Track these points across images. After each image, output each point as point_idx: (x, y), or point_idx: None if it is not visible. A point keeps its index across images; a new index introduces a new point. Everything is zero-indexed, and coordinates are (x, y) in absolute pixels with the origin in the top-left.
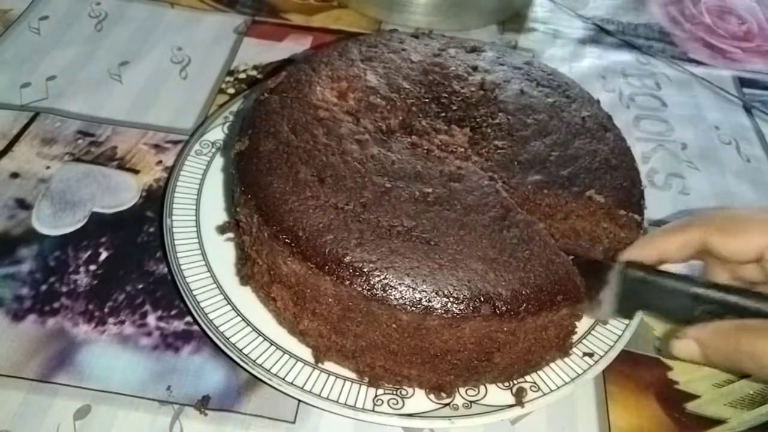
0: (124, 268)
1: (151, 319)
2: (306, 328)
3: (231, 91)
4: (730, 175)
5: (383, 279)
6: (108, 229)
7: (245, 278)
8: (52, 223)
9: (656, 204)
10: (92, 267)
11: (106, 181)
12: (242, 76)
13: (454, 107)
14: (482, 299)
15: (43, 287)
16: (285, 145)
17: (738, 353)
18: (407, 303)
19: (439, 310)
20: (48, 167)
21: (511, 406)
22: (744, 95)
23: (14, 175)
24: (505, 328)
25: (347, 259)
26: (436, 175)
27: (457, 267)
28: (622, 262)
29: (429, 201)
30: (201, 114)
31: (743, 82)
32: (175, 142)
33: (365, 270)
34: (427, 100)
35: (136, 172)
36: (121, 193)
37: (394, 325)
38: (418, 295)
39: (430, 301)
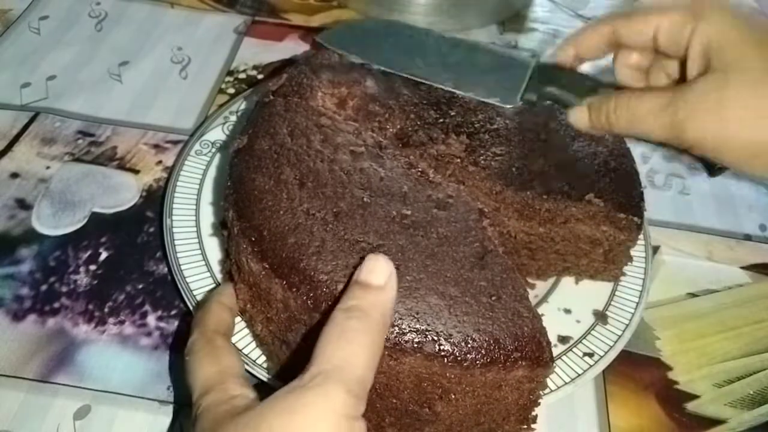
0: (124, 268)
1: (151, 319)
2: (260, 333)
3: (231, 91)
4: (729, 175)
5: (330, 292)
6: (108, 229)
7: (227, 275)
8: (52, 223)
9: (656, 204)
10: (92, 267)
11: (106, 181)
12: (242, 76)
13: (452, 113)
14: (427, 336)
15: (43, 287)
16: (278, 146)
17: (616, 111)
18: None
19: None
20: (48, 167)
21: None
22: None
23: (14, 175)
24: (448, 374)
25: (301, 265)
26: (422, 198)
27: (411, 296)
28: (536, 57)
29: (405, 223)
30: (201, 114)
31: None
32: (175, 142)
33: (315, 280)
34: (425, 105)
35: (136, 172)
36: (121, 193)
37: None
38: None
39: None
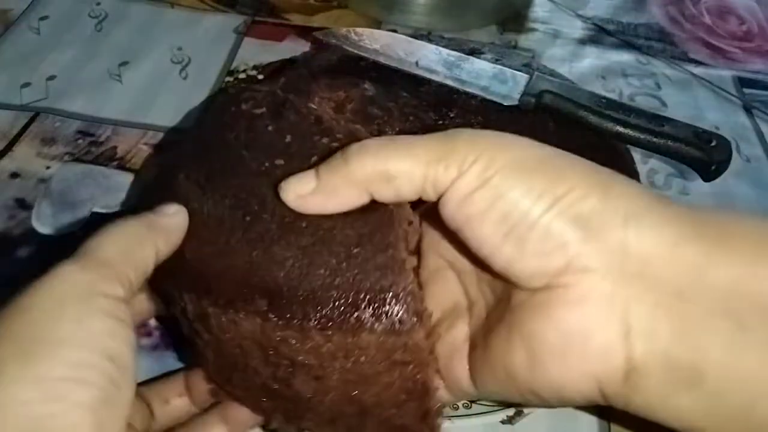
0: None
1: (151, 320)
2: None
3: (231, 91)
4: (729, 175)
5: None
6: None
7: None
8: (52, 223)
9: None
10: None
11: (106, 181)
12: (242, 76)
13: (452, 114)
14: (261, 289)
15: None
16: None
17: (374, 176)
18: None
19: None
20: (48, 167)
21: (510, 405)
22: (744, 95)
23: (14, 175)
24: (283, 337)
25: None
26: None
27: (260, 247)
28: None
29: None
30: None
31: (743, 82)
32: None
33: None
34: (425, 107)
35: (136, 172)
36: (121, 193)
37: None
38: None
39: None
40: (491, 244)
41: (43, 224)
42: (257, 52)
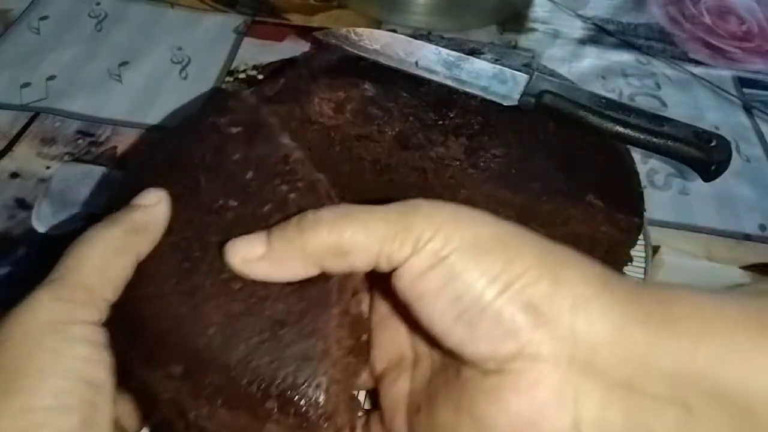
0: None
1: None
2: None
3: (229, 89)
4: (729, 175)
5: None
6: None
7: None
8: (52, 223)
9: (656, 204)
10: None
11: (106, 182)
12: (242, 76)
13: (452, 115)
14: (179, 353)
15: None
16: None
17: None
18: None
19: None
20: (48, 167)
21: None
22: (744, 95)
23: (14, 175)
24: (203, 411)
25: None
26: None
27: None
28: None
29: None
30: None
31: (743, 82)
32: None
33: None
34: (425, 107)
35: None
36: None
37: None
38: None
39: None
40: (443, 323)
41: (43, 224)
42: (257, 52)
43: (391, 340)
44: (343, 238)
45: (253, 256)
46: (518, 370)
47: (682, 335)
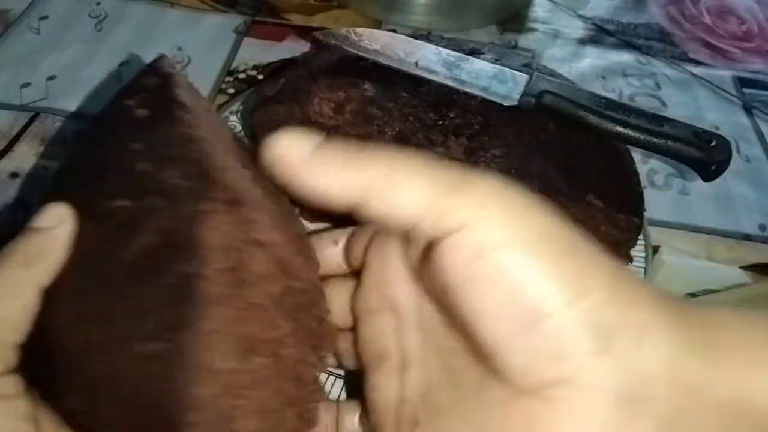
0: None
1: None
2: None
3: (231, 91)
4: (729, 175)
5: None
6: None
7: None
8: None
9: (656, 204)
10: None
11: None
12: (242, 76)
13: (452, 115)
14: (73, 386)
15: None
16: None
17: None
18: None
19: None
20: (48, 167)
21: None
22: (744, 95)
23: (14, 175)
24: None
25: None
26: None
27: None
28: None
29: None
30: None
31: (743, 82)
32: None
33: None
34: (425, 107)
35: None
36: None
37: None
38: None
39: None
40: (488, 318)
41: None
42: (257, 52)
43: (375, 336)
44: (400, 173)
45: (297, 151)
46: (563, 397)
47: (734, 364)
